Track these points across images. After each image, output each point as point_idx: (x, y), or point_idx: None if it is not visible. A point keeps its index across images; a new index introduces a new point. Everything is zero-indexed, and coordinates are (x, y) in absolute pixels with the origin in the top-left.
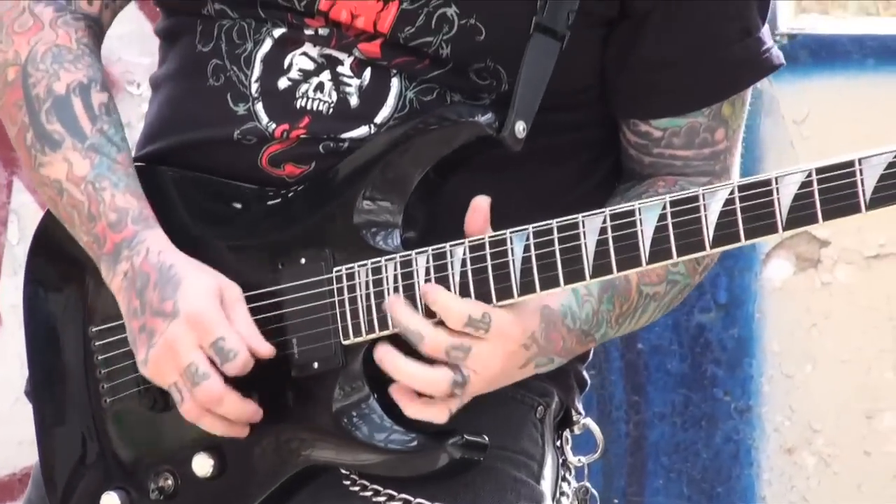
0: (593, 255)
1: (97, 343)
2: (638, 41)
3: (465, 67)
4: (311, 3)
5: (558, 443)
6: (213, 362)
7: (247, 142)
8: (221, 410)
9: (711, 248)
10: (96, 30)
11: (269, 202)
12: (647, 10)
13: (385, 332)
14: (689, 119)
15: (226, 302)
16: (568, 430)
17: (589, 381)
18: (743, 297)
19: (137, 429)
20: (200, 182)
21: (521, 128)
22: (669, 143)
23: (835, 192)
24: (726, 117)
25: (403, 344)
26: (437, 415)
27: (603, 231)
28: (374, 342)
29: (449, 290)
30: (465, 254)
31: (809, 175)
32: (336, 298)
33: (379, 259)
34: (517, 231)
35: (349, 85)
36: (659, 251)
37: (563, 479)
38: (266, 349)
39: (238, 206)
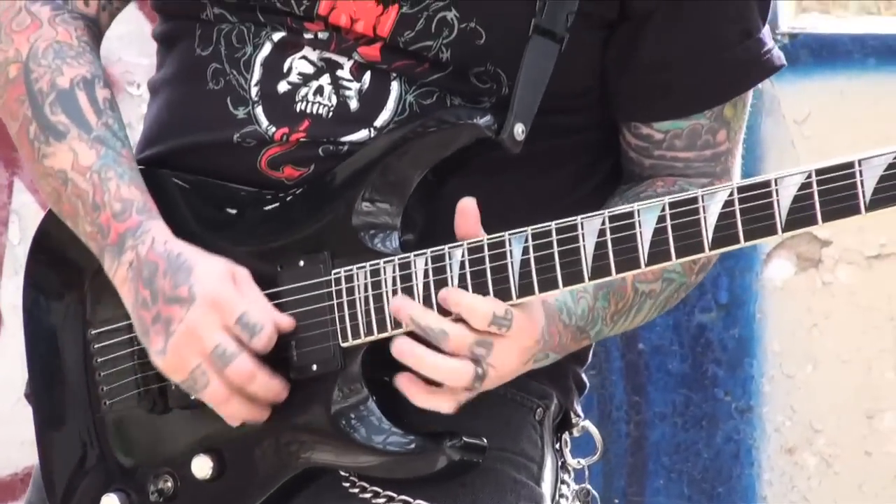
0: (592, 256)
1: (96, 346)
2: (638, 43)
3: (465, 71)
4: (311, 7)
5: (557, 445)
6: (239, 341)
7: (246, 145)
8: (253, 388)
9: (710, 249)
10: (94, 30)
11: (268, 205)
12: (647, 12)
13: (384, 335)
14: (691, 121)
15: (238, 282)
16: (567, 432)
17: (588, 384)
18: (744, 297)
19: (137, 431)
20: (200, 185)
21: (520, 130)
22: (671, 146)
23: (834, 194)
24: (728, 119)
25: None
26: (445, 404)
27: (602, 233)
28: (372, 344)
29: None
30: (463, 256)
31: (809, 176)
32: (335, 301)
33: (377, 261)
34: (516, 233)
35: (349, 88)
36: (658, 253)
37: (563, 481)
38: (287, 321)
39: (237, 208)
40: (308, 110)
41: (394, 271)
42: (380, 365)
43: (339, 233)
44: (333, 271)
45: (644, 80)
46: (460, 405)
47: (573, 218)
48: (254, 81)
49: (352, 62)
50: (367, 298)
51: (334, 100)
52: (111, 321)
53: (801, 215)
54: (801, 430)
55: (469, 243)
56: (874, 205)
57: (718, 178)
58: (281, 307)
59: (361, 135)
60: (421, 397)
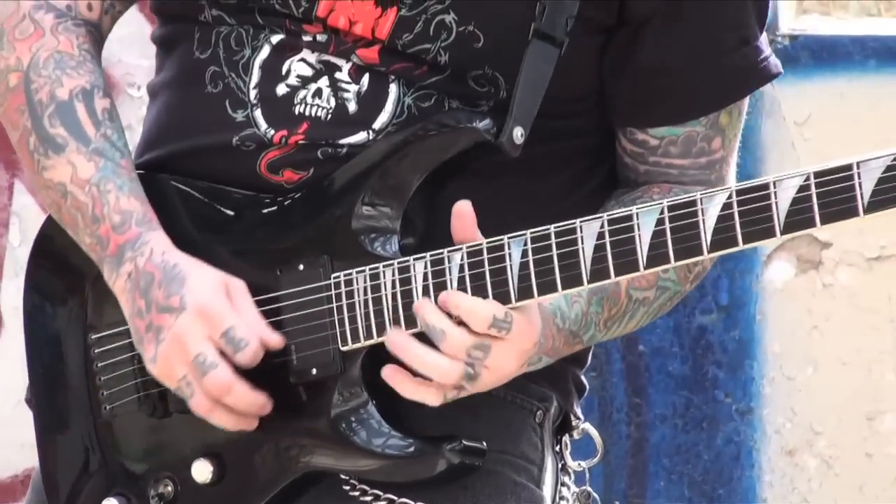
0: (591, 260)
1: (97, 350)
2: (636, 49)
3: (464, 74)
4: (309, 9)
5: (557, 447)
6: (222, 353)
7: (245, 148)
8: (230, 400)
9: (709, 252)
10: (97, 36)
11: (268, 209)
12: (645, 18)
13: (384, 339)
14: (687, 128)
15: (232, 295)
16: (567, 434)
17: (587, 386)
18: (744, 299)
19: (137, 435)
20: (199, 189)
21: (519, 134)
22: (666, 152)
23: (833, 196)
24: (723, 126)
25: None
26: (431, 398)
27: (601, 236)
28: (372, 348)
29: None
30: (462, 259)
31: (807, 179)
32: (334, 304)
33: (377, 265)
34: (515, 236)
35: (347, 91)
36: (657, 256)
37: (563, 483)
38: (275, 339)
39: (236, 213)
40: (307, 112)
41: (393, 275)
42: (379, 369)
43: (339, 237)
44: (333, 275)
45: (640, 86)
46: (447, 400)
47: (572, 221)
48: (252, 84)
49: (350, 64)
50: (366, 302)
51: (333, 102)
52: (112, 325)
53: (799, 217)
54: (802, 431)
55: (468, 247)
56: (872, 207)
57: (713, 186)
58: (280, 311)
59: (360, 137)
60: (407, 388)
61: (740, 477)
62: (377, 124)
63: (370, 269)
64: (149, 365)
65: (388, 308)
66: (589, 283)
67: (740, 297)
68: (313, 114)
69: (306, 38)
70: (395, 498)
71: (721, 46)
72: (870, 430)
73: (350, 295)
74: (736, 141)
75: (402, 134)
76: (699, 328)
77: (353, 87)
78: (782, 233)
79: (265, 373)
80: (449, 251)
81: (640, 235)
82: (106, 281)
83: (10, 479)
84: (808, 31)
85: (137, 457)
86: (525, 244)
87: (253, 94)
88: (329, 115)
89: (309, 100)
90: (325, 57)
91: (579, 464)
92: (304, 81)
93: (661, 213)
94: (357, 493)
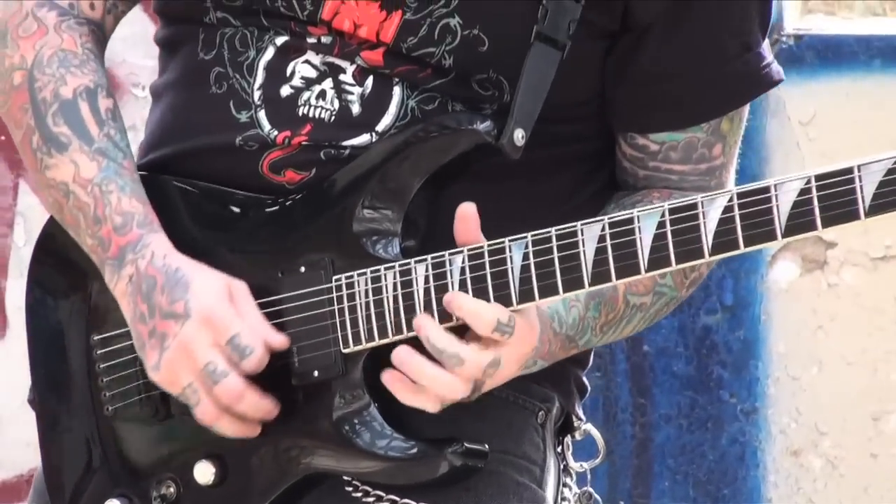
0: (592, 262)
1: (99, 351)
2: (638, 54)
3: (468, 77)
4: (314, 12)
5: (559, 448)
6: (229, 360)
7: (248, 148)
8: (242, 407)
9: (710, 255)
10: (99, 35)
11: (269, 210)
12: (648, 23)
13: (385, 341)
14: (688, 134)
15: (235, 298)
16: (569, 435)
17: (589, 387)
18: (749, 299)
19: (139, 437)
20: (201, 190)
21: (519, 136)
22: (666, 158)
23: (834, 199)
24: (724, 133)
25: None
26: (430, 405)
27: (602, 239)
28: (373, 350)
29: None
30: (464, 262)
31: (808, 182)
32: (336, 307)
33: (378, 267)
34: (516, 239)
35: (351, 93)
36: (658, 259)
37: (565, 484)
38: (279, 340)
39: (238, 214)
40: (310, 114)
41: (394, 277)
42: (381, 371)
43: (340, 239)
44: (334, 277)
45: (642, 91)
46: (444, 406)
47: (573, 224)
48: (256, 85)
49: (354, 67)
50: (367, 304)
51: (336, 104)
52: (114, 326)
53: (800, 221)
54: (807, 431)
55: (469, 249)
56: (873, 210)
57: None
58: (282, 313)
59: (363, 139)
60: (406, 395)
61: (745, 477)
62: (380, 127)
63: (371, 272)
64: (151, 372)
65: (389, 310)
66: (590, 285)
67: (745, 297)
68: (317, 115)
69: (311, 41)
70: (397, 499)
71: (723, 53)
72: (875, 431)
73: (351, 297)
74: (736, 147)
75: (403, 135)
76: (704, 328)
77: (357, 90)
78: (783, 236)
79: (267, 375)
80: (450, 254)
81: (641, 238)
82: (107, 284)
83: (16, 479)
84: (813, 30)
85: (140, 458)
86: (526, 247)
87: (257, 95)
88: (332, 117)
89: (313, 101)
90: (330, 59)
91: (581, 465)
92: (308, 83)
93: (663, 215)
94: (360, 495)
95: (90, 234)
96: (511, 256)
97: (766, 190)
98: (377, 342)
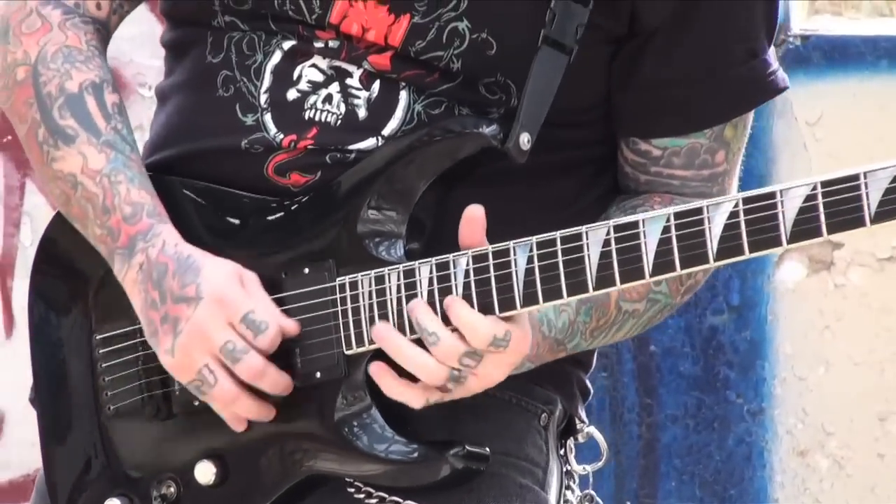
0: (597, 266)
1: (101, 351)
2: (643, 59)
3: (475, 81)
4: (322, 16)
5: (562, 451)
6: (245, 339)
7: (254, 151)
8: (264, 383)
9: (715, 260)
10: (103, 34)
11: (274, 212)
12: (654, 28)
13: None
14: (691, 139)
15: (246, 284)
16: (572, 438)
17: (592, 390)
18: (756, 300)
19: (140, 436)
20: (207, 192)
21: (525, 140)
22: (669, 163)
23: (839, 206)
24: (728, 139)
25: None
26: (414, 399)
27: (606, 243)
28: (376, 352)
29: None
30: (468, 264)
31: (814, 188)
32: (339, 308)
33: (382, 269)
34: (520, 242)
35: (358, 97)
36: (662, 263)
37: (567, 487)
38: (291, 324)
39: (243, 215)
40: (316, 118)
41: (398, 279)
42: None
43: (345, 240)
44: (338, 279)
45: (646, 97)
46: (429, 404)
47: (578, 228)
48: (263, 88)
49: (361, 71)
50: (371, 306)
51: (343, 108)
52: (116, 326)
53: (805, 227)
54: (813, 432)
55: (474, 252)
56: (879, 217)
57: None
58: (285, 314)
59: (369, 143)
60: (391, 387)
61: (752, 477)
62: (387, 131)
63: (375, 273)
64: (164, 357)
65: (392, 312)
66: (594, 289)
67: (752, 297)
68: (323, 119)
69: (318, 45)
70: (400, 501)
71: (729, 59)
72: (882, 431)
73: (355, 299)
74: (739, 155)
75: (409, 139)
76: (710, 329)
77: (364, 94)
78: (788, 242)
79: None
80: (454, 256)
81: (646, 243)
82: (116, 275)
83: (23, 478)
84: (820, 31)
85: (140, 458)
86: (531, 250)
87: (263, 98)
88: (339, 121)
89: (319, 105)
90: (337, 63)
91: (584, 467)
92: (315, 87)
93: (668, 220)
94: (362, 496)
95: (99, 224)
96: (515, 260)
97: (771, 196)
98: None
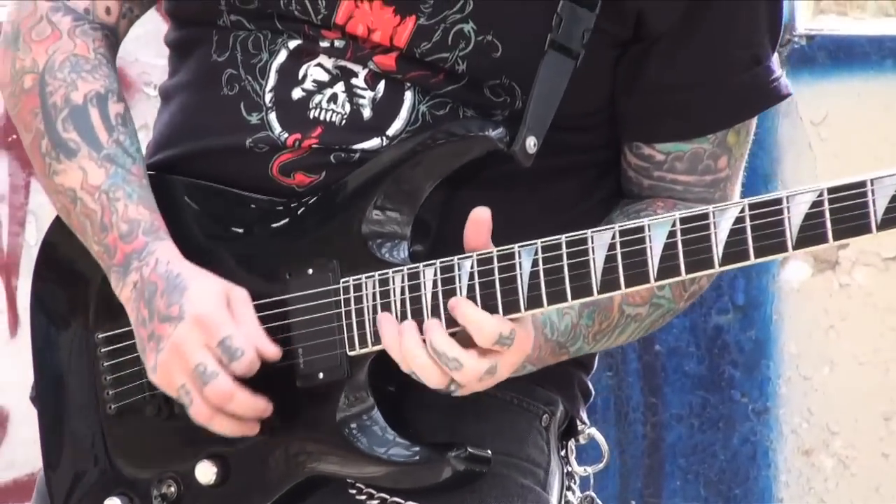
0: (601, 270)
1: (103, 349)
2: (648, 63)
3: (480, 83)
4: (328, 16)
5: (563, 452)
6: (220, 362)
7: (258, 150)
8: (232, 407)
9: (720, 265)
10: (113, 40)
11: (278, 213)
12: (660, 33)
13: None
14: (694, 145)
15: (232, 304)
16: (573, 439)
17: (593, 392)
18: (760, 299)
19: (141, 436)
20: (210, 191)
21: (531, 143)
22: (672, 168)
23: (846, 213)
24: (731, 145)
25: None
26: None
27: (612, 247)
28: (379, 354)
29: None
30: (472, 267)
31: (820, 195)
32: (343, 309)
33: (386, 271)
34: (525, 245)
35: (363, 97)
36: (668, 268)
37: (568, 488)
38: (272, 351)
39: (247, 216)
40: (321, 117)
41: (402, 281)
42: (385, 375)
43: (349, 242)
44: (342, 280)
45: (650, 101)
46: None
47: (583, 231)
48: (268, 88)
49: (367, 71)
50: (375, 307)
51: (348, 108)
52: (117, 326)
53: (811, 233)
54: (818, 431)
55: (478, 254)
56: (885, 224)
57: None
58: (288, 315)
59: (374, 143)
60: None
61: (756, 477)
62: (391, 131)
63: (379, 275)
64: (150, 374)
65: (396, 314)
66: (599, 293)
67: (757, 297)
68: (328, 119)
69: (324, 44)
70: (401, 502)
71: (732, 65)
72: (886, 430)
73: (359, 300)
74: (742, 160)
75: (415, 141)
76: (715, 328)
77: (369, 94)
78: (794, 248)
79: (271, 376)
80: (459, 258)
81: (651, 247)
82: (113, 290)
83: (27, 477)
84: (825, 30)
85: (141, 457)
86: (536, 253)
87: (268, 97)
88: (343, 121)
89: (324, 105)
90: (342, 63)
91: (585, 469)
92: (320, 86)
93: (674, 225)
94: (363, 497)
95: (97, 241)
96: (520, 262)
97: (778, 202)
98: (383, 345)
